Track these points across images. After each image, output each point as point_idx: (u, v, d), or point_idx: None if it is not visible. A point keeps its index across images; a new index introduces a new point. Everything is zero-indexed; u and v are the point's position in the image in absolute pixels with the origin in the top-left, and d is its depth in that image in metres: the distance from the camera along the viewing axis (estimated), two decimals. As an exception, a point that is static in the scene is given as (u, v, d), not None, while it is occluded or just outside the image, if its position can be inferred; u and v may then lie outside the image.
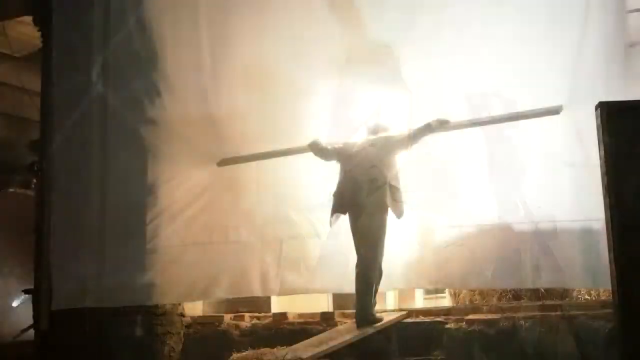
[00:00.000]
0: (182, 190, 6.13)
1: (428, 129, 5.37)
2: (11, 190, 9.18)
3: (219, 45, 6.08)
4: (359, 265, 5.33)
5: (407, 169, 5.54)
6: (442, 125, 5.35)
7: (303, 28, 5.83)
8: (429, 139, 5.44)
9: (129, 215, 6.14)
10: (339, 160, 5.63)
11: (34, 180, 8.79)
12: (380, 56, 5.61)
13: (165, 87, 6.12)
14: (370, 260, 5.26)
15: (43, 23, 6.72)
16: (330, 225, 5.53)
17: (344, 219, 5.50)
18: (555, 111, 5.12)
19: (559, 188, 5.18)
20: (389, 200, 5.29)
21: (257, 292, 6.13)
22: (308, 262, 5.86)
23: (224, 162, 6.14)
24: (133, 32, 6.19)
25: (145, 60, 6.18)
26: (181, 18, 6.19)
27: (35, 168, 8.63)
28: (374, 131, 5.59)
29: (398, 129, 5.58)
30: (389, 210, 5.31)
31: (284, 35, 5.87)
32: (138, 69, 6.21)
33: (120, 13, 6.25)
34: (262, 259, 6.01)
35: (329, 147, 5.71)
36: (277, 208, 6.02)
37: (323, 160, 5.73)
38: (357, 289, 5.31)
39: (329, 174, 5.71)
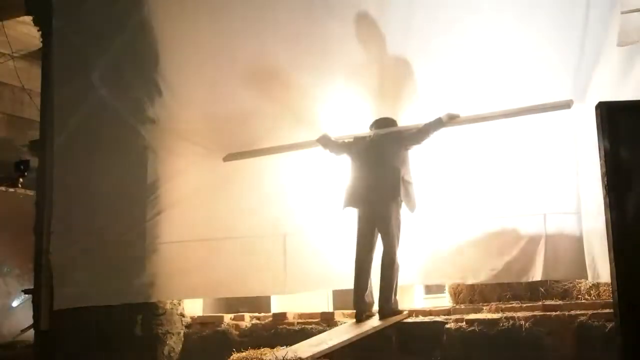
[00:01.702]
0: (183, 188, 6.12)
1: (439, 123, 5.41)
2: (11, 190, 9.19)
3: (220, 43, 6.07)
4: (359, 261, 5.38)
5: (419, 165, 5.59)
6: (452, 119, 5.40)
7: (304, 26, 5.83)
8: (440, 134, 5.48)
9: (129, 213, 6.13)
10: (349, 154, 5.63)
11: (20, 180, 8.92)
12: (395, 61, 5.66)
13: (165, 86, 6.12)
14: (388, 253, 5.31)
15: (43, 23, 6.72)
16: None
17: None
18: (566, 105, 5.14)
19: (561, 185, 5.24)
20: (403, 195, 5.32)
21: (262, 291, 6.14)
22: (315, 258, 5.87)
23: (230, 157, 6.11)
24: (134, 31, 6.19)
25: (146, 59, 6.18)
26: (182, 16, 6.17)
27: (22, 167, 8.79)
28: (384, 125, 5.60)
29: (409, 123, 5.61)
30: (403, 204, 5.36)
31: (286, 34, 5.87)
32: (138, 68, 6.20)
33: (121, 12, 6.25)
34: (267, 255, 6.00)
35: (339, 141, 5.71)
36: (280, 203, 6.02)
37: (333, 154, 5.73)
38: (380, 283, 5.34)
39: (334, 168, 5.75)
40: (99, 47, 6.30)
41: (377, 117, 5.65)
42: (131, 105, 6.17)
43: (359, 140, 5.64)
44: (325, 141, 5.72)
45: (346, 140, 5.70)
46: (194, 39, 6.12)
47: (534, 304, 5.33)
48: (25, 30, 7.99)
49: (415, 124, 5.57)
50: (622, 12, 4.68)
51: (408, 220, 5.50)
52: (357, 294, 5.42)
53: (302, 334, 5.57)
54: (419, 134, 5.47)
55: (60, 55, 6.47)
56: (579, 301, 5.38)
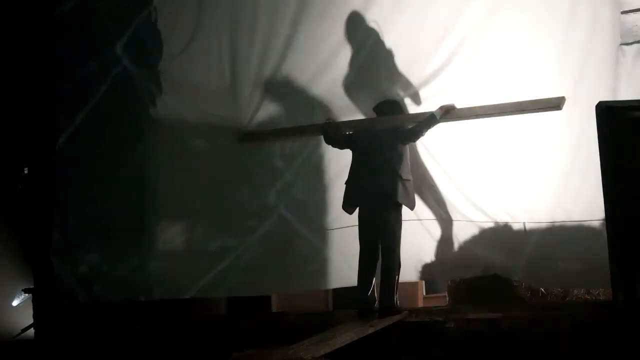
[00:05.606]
0: (190, 184, 6.09)
1: (433, 119, 5.36)
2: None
3: (223, 43, 6.06)
4: (363, 260, 5.39)
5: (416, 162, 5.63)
6: (446, 112, 5.35)
7: (303, 20, 5.81)
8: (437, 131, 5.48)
9: (133, 211, 6.08)
10: (351, 148, 5.60)
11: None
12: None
13: (167, 85, 6.10)
14: (390, 253, 5.31)
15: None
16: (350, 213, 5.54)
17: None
18: (556, 105, 5.13)
19: (560, 188, 5.26)
20: (400, 194, 5.30)
21: (272, 290, 6.15)
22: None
23: (245, 138, 5.99)
24: (137, 30, 6.17)
25: (149, 58, 6.16)
26: (184, 14, 6.17)
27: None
28: (389, 109, 5.59)
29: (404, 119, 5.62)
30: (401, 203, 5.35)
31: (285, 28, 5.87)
32: (141, 67, 6.18)
33: (124, 11, 6.23)
34: (281, 252, 5.97)
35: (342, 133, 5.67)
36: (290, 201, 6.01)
37: (335, 145, 5.69)
38: (380, 282, 5.35)
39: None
40: (101, 44, 6.19)
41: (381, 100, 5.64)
42: (135, 102, 6.07)
43: (357, 135, 5.61)
44: (330, 129, 5.64)
45: (348, 133, 5.66)
46: (193, 37, 6.08)
47: (534, 304, 5.34)
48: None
49: (416, 113, 5.57)
50: (622, 12, 4.71)
51: (408, 216, 5.53)
52: (360, 292, 5.43)
53: (302, 334, 5.57)
54: (413, 132, 5.43)
55: (65, 51, 6.33)
56: (579, 301, 5.39)
